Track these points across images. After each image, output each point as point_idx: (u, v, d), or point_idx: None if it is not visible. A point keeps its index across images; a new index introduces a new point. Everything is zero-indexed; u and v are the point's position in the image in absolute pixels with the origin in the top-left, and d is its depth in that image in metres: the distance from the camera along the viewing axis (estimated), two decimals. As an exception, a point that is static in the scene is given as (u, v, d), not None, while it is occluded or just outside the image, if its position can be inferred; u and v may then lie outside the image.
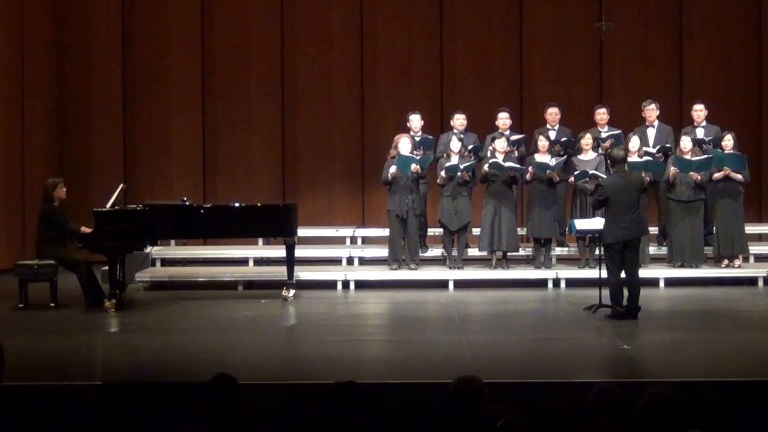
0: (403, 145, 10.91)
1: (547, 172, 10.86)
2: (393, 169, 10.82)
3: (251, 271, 11.68)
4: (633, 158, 10.81)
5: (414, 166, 10.73)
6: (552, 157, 11.00)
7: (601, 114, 11.48)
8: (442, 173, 10.93)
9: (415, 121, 11.36)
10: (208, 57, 13.61)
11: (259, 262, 12.04)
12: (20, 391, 5.82)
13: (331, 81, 13.66)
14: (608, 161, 11.03)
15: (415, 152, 11.01)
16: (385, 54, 13.62)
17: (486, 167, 10.82)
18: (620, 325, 8.64)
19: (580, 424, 3.69)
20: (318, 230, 12.72)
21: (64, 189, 9.96)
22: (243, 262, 11.96)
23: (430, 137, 11.43)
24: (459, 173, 10.82)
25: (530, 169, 10.87)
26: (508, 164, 10.80)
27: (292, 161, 13.66)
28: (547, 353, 7.70)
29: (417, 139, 11.23)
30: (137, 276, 10.91)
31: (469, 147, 11.15)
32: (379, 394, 3.90)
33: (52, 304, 9.64)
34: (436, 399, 4.18)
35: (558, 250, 11.47)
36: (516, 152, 11.22)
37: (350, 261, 11.79)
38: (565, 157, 11.15)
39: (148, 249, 10.66)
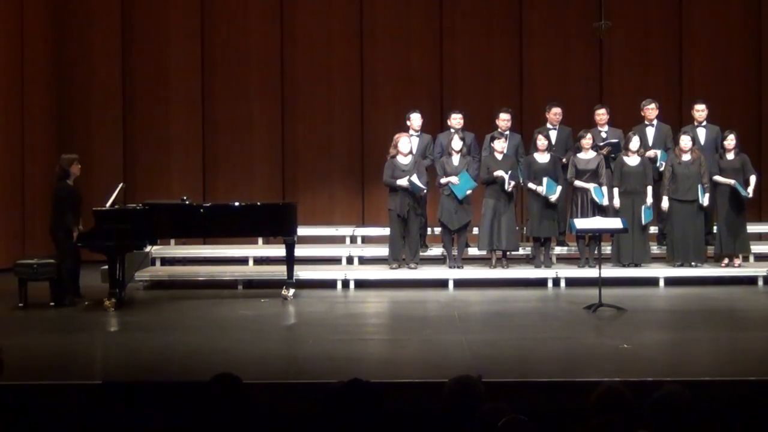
0: (403, 144, 10.91)
1: (507, 184, 10.80)
2: (404, 183, 10.76)
3: (251, 271, 11.68)
4: (633, 158, 10.87)
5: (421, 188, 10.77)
6: (508, 175, 10.81)
7: (601, 114, 11.49)
8: (442, 180, 10.94)
9: (416, 119, 11.37)
10: (208, 57, 13.61)
11: (259, 261, 12.04)
12: (20, 391, 5.82)
13: (331, 81, 13.66)
14: (608, 161, 11.10)
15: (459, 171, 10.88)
16: (385, 54, 13.63)
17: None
18: (620, 324, 8.64)
19: (587, 422, 3.68)
20: (318, 229, 12.72)
21: (79, 166, 9.94)
22: (243, 261, 11.96)
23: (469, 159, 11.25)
24: (467, 191, 10.82)
25: (511, 182, 10.79)
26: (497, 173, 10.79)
27: (292, 160, 13.66)
28: (547, 353, 7.70)
29: (416, 137, 11.25)
30: (137, 275, 10.91)
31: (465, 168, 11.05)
32: (379, 393, 3.89)
33: (52, 304, 9.64)
34: (436, 398, 4.17)
35: (558, 250, 11.48)
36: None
37: (350, 260, 11.79)
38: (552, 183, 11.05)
39: (148, 248, 10.66)
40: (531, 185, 10.97)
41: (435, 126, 12.32)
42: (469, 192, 10.88)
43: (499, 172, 10.78)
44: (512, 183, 10.80)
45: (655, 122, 11.40)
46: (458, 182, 10.81)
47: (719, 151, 11.03)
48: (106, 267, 9.78)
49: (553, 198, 10.88)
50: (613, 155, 11.10)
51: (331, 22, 13.67)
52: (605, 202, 10.79)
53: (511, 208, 11.01)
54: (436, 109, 13.25)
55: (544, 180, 10.87)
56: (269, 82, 13.63)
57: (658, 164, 11.07)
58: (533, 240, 11.22)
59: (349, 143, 13.67)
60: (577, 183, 10.84)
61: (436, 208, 11.24)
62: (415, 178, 10.75)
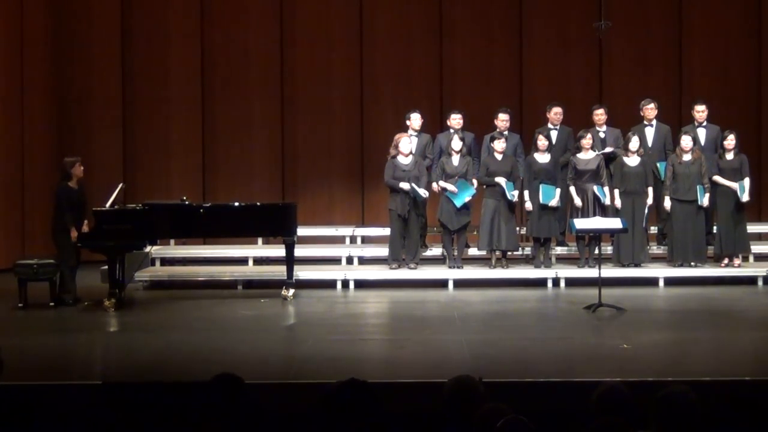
0: (404, 144, 10.91)
1: (510, 196, 10.84)
2: (406, 186, 10.77)
3: (251, 271, 11.68)
4: (633, 158, 10.87)
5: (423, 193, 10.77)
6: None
7: (599, 114, 11.50)
8: (440, 183, 10.93)
9: (416, 119, 11.37)
10: (207, 57, 13.61)
11: (259, 261, 12.04)
12: (20, 391, 5.82)
13: (331, 81, 13.66)
14: (607, 162, 11.10)
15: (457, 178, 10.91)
16: (385, 54, 13.63)
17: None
18: (620, 324, 8.64)
19: (587, 422, 3.68)
20: (317, 229, 12.72)
21: (82, 167, 9.96)
22: (242, 261, 11.96)
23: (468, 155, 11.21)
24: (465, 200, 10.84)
25: (515, 194, 10.85)
26: (498, 180, 10.81)
27: (292, 161, 13.66)
28: (547, 353, 7.70)
29: (415, 137, 11.24)
30: (137, 275, 10.91)
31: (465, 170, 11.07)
32: (379, 393, 3.89)
33: (52, 304, 9.64)
34: (435, 398, 4.18)
35: (558, 250, 11.48)
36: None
37: (350, 260, 11.79)
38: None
39: (148, 248, 10.67)
40: (526, 196, 10.94)
41: (435, 126, 12.31)
42: (467, 199, 10.86)
43: (499, 179, 10.78)
44: (516, 193, 10.82)
45: (654, 122, 11.40)
46: (456, 191, 10.80)
47: (719, 151, 11.03)
48: (106, 267, 9.78)
49: (552, 203, 10.88)
50: (610, 158, 11.13)
51: (331, 22, 13.67)
52: (608, 201, 10.79)
53: (511, 208, 11.00)
54: (436, 109, 13.25)
55: (540, 188, 10.85)
56: (269, 82, 13.63)
57: (662, 178, 11.03)
58: (533, 240, 11.21)
59: (349, 143, 13.66)
60: (573, 192, 10.84)
61: (436, 209, 11.23)
62: (416, 186, 10.75)
